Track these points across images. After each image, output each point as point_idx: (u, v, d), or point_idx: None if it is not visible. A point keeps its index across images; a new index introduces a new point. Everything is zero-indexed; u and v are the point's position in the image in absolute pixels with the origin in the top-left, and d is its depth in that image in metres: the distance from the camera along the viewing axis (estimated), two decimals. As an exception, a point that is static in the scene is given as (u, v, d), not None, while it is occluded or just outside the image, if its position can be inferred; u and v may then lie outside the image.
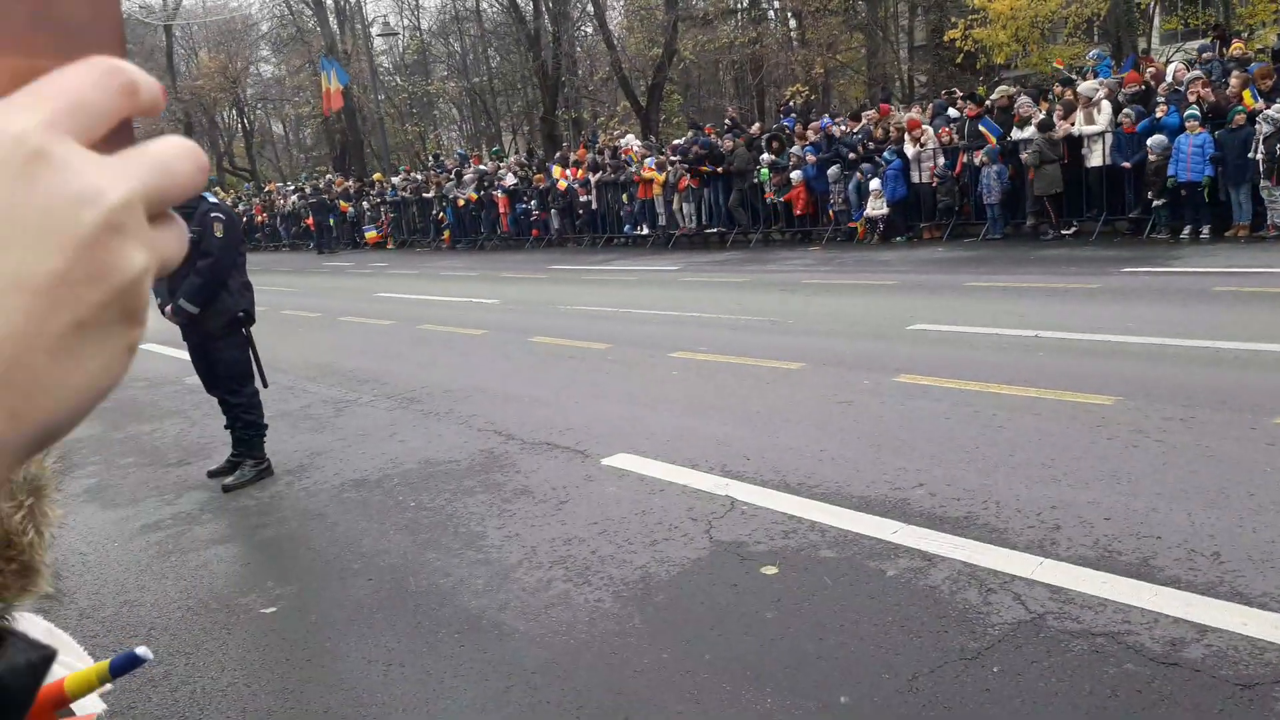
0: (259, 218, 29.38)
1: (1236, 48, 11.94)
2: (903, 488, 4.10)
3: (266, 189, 33.74)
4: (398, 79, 39.73)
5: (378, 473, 5.23)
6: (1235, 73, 10.45)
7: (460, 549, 4.02)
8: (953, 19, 20.58)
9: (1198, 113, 10.11)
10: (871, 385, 5.85)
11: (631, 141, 19.53)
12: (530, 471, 4.92)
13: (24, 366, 0.27)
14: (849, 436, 4.92)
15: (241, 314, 5.36)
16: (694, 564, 3.61)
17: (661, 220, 17.05)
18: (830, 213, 14.33)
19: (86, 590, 4.04)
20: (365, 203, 25.59)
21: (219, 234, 5.14)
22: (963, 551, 3.45)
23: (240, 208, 28.55)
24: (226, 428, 5.50)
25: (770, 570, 3.48)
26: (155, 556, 4.39)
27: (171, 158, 0.31)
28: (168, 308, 5.38)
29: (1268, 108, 9.71)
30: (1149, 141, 10.48)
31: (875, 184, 13.49)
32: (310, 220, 26.17)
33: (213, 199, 5.35)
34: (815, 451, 4.71)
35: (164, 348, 10.07)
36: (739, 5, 28.73)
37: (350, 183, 27.36)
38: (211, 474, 5.51)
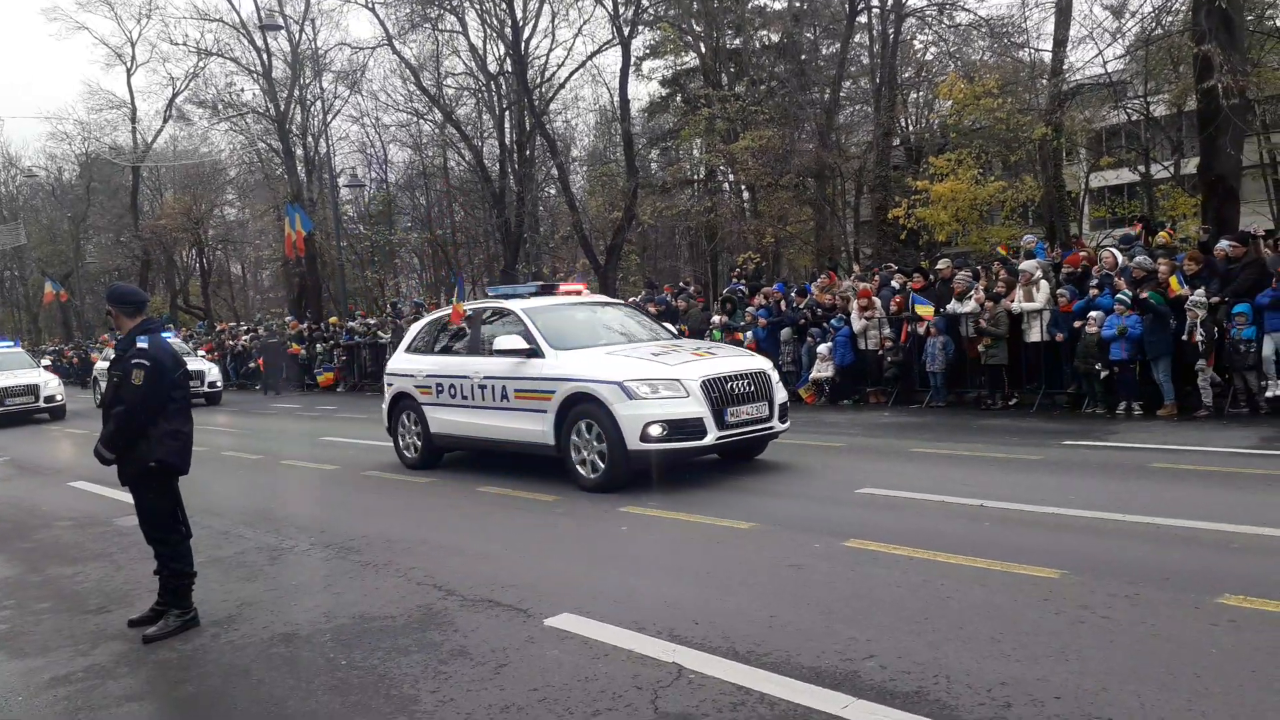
0: (208, 356, 29.11)
1: (1163, 237, 12.75)
2: (853, 659, 4.02)
3: (219, 329, 33.62)
4: (361, 227, 40.53)
5: (309, 627, 5.00)
6: (1163, 260, 11.10)
7: (391, 713, 3.81)
8: (897, 198, 21.77)
9: (1127, 297, 10.67)
10: (823, 549, 5.82)
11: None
12: (469, 630, 4.74)
13: None
14: (799, 602, 4.84)
15: (153, 464, 5.09)
16: (638, 736, 3.45)
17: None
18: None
19: (-20, 750, 3.73)
20: (319, 346, 25.53)
21: (137, 382, 4.97)
22: (915, 729, 3.35)
23: (189, 345, 28.29)
24: (156, 573, 5.26)
25: (717, 745, 3.34)
26: (62, 713, 4.09)
27: None
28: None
29: (1192, 293, 10.29)
30: (1090, 314, 11.00)
31: (823, 348, 13.90)
32: (260, 361, 25.94)
33: (144, 343, 5.05)
34: (765, 617, 4.62)
35: (96, 486, 9.72)
36: (695, 176, 30.23)
37: (304, 325, 27.39)
38: (133, 623, 5.22)
